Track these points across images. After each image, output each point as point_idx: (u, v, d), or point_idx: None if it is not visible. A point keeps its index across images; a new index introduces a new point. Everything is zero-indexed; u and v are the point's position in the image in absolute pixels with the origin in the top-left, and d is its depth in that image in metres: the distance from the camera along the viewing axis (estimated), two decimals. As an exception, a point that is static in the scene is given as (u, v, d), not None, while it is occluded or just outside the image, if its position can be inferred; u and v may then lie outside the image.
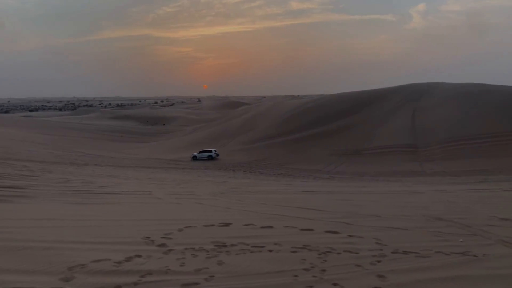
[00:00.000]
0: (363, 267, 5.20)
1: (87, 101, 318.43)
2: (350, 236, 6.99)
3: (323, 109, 59.95)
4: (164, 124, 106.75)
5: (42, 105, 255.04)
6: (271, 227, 7.60)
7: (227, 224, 7.71)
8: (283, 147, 50.21)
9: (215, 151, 48.43)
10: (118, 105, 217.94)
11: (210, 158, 46.95)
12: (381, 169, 36.60)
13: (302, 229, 7.44)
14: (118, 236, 6.26)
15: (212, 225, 7.61)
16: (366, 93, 64.55)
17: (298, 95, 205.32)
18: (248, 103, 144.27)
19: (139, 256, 5.26)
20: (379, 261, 5.41)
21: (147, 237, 6.30)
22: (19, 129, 70.47)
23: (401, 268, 5.14)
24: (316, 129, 53.26)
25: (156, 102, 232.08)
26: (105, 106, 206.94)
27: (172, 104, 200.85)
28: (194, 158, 47.17)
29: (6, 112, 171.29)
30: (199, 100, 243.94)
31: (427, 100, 55.07)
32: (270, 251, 5.86)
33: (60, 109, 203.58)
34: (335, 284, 4.54)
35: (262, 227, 7.57)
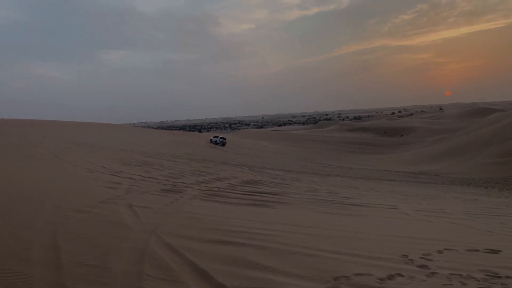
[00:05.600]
0: None
1: (326, 114, 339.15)
2: None
3: None
4: (402, 135, 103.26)
5: (289, 120, 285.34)
6: (557, 261, 6.18)
7: (495, 251, 6.67)
8: (553, 161, 41.07)
9: (221, 138, 55.36)
10: (355, 118, 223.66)
11: (216, 143, 53.47)
12: None
13: None
14: (374, 251, 6.18)
15: (477, 250, 6.71)
16: None
17: None
18: (502, 109, 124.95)
19: (401, 275, 5.04)
20: None
21: (404, 255, 6.02)
22: (271, 142, 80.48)
23: None
24: None
25: (393, 113, 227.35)
26: (343, 119, 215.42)
27: (411, 114, 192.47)
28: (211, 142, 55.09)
29: (260, 127, 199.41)
30: (440, 109, 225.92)
31: None
32: None
33: (303, 123, 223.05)
34: None
35: (544, 260, 6.23)
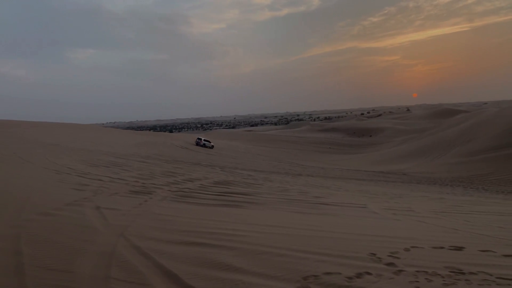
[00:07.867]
0: None
1: (298, 115, 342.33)
2: None
3: None
4: (371, 136, 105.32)
5: (261, 120, 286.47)
6: (517, 257, 6.43)
7: (459, 248, 6.88)
8: (514, 160, 42.70)
9: (199, 138, 57.94)
10: (326, 118, 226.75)
11: (198, 144, 55.90)
12: None
13: None
14: (344, 250, 6.26)
15: (442, 247, 6.91)
16: None
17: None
18: (467, 110, 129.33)
19: (369, 273, 5.12)
20: None
21: (372, 253, 6.12)
22: (243, 142, 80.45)
23: None
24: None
25: (362, 114, 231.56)
26: (314, 120, 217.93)
27: (379, 115, 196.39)
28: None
29: (232, 127, 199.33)
30: (408, 110, 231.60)
31: None
32: (524, 287, 4.91)
33: (275, 124, 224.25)
34: None
35: (505, 256, 6.48)
